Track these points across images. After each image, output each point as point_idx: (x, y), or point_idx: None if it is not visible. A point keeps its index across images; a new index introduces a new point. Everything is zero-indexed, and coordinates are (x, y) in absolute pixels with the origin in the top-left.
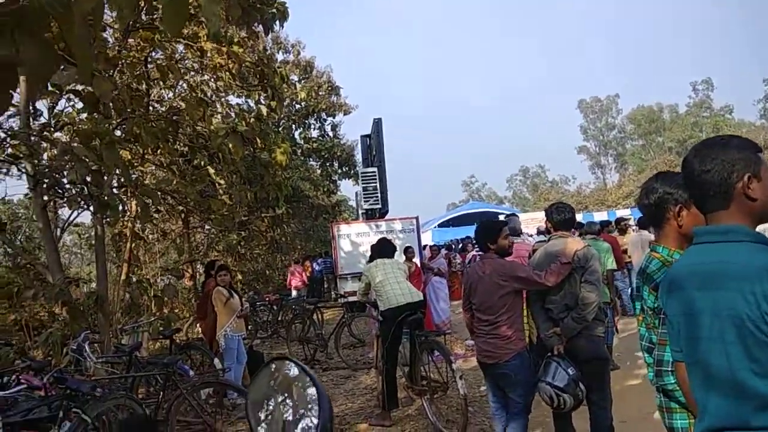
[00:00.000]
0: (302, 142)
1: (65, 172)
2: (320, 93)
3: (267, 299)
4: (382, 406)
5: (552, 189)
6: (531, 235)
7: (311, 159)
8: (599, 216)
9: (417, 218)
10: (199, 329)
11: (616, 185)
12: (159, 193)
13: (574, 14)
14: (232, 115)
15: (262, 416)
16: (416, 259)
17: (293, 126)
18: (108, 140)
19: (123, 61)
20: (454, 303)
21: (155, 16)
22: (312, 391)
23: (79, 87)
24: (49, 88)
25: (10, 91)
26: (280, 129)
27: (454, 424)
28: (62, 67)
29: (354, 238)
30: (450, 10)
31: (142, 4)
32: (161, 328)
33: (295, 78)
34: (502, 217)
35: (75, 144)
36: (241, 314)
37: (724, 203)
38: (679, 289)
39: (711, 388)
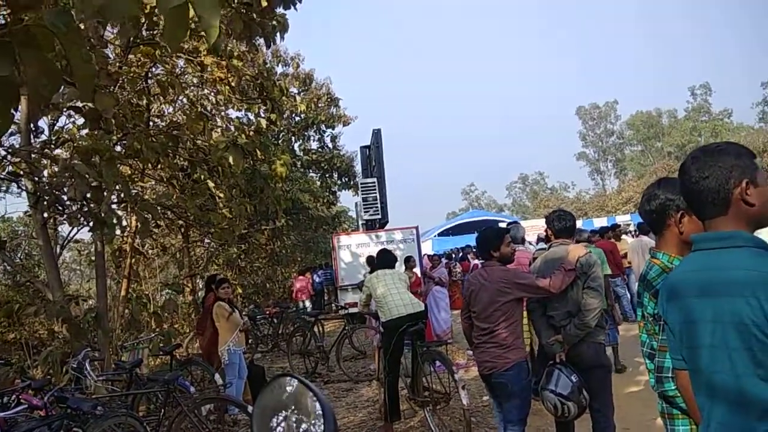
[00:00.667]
0: (302, 153)
1: (65, 189)
2: (320, 105)
3: (267, 312)
4: (384, 419)
5: (552, 196)
6: (531, 243)
7: (311, 170)
8: (599, 222)
9: (417, 228)
10: (199, 345)
11: (616, 191)
12: (159, 207)
13: (571, 20)
14: (232, 128)
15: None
16: (417, 269)
17: (293, 138)
18: (108, 156)
19: (124, 77)
20: (455, 312)
21: (156, 32)
22: (317, 406)
23: (80, 103)
24: (50, 106)
25: (12, 110)
26: (279, 141)
27: None
28: (62, 87)
29: (354, 248)
30: (447, 20)
31: (143, 20)
32: (161, 344)
33: (295, 90)
34: (503, 225)
35: (75, 161)
36: (244, 328)
37: (723, 209)
38: (679, 297)
39: (715, 396)
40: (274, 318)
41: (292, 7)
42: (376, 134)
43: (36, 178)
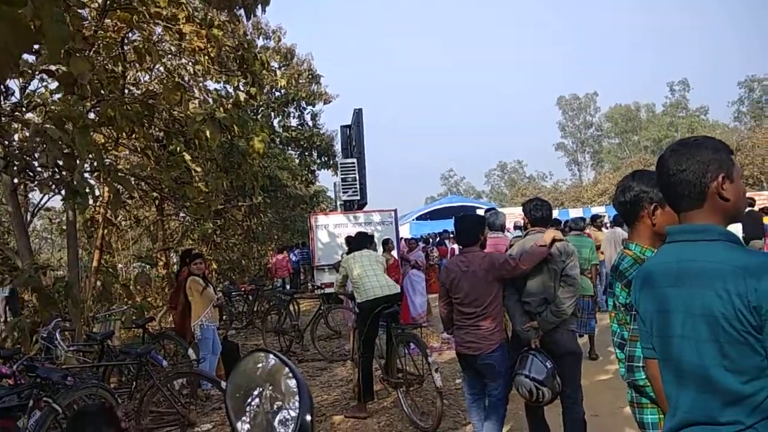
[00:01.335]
0: (281, 130)
1: (36, 155)
2: (300, 81)
3: (243, 289)
4: (357, 398)
5: (529, 185)
6: (509, 230)
7: (290, 148)
8: (575, 213)
9: (395, 211)
10: (173, 319)
11: (592, 182)
12: (132, 178)
13: (552, 10)
14: (210, 100)
15: (242, 408)
16: (395, 252)
17: (272, 114)
18: (82, 123)
19: (99, 41)
20: (431, 296)
21: None
22: (292, 383)
23: (53, 67)
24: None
25: None
26: (258, 116)
27: (429, 416)
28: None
29: (332, 229)
30: (431, 8)
31: None
32: (134, 317)
33: (276, 65)
34: (480, 212)
35: (48, 126)
36: (218, 304)
37: (698, 203)
38: (652, 287)
39: (683, 385)
40: (249, 295)
41: None
42: (357, 114)
43: (6, 142)
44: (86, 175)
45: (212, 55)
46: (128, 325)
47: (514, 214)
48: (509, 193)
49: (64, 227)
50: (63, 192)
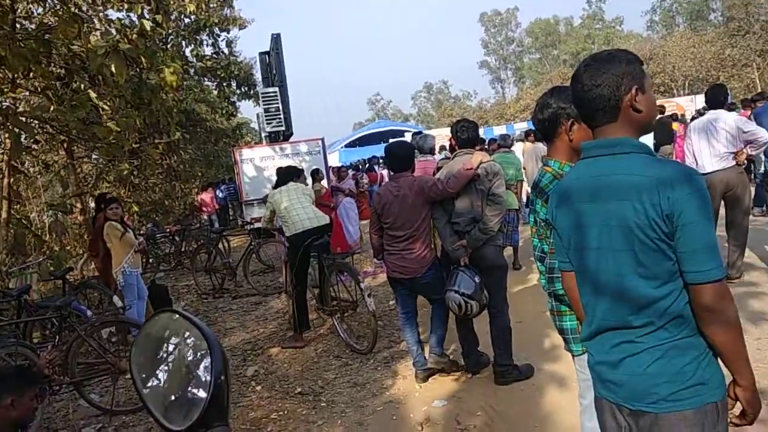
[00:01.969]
0: (195, 60)
1: None
2: (211, 5)
3: (168, 230)
4: (293, 329)
5: (455, 105)
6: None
7: (206, 79)
8: (499, 130)
9: (323, 140)
10: (95, 267)
11: (514, 99)
12: (35, 121)
13: None
14: (113, 31)
15: (149, 375)
16: (324, 182)
17: (183, 43)
18: None
19: None
20: (362, 222)
21: None
22: (203, 344)
23: None
24: None
25: None
26: (168, 46)
27: (365, 338)
28: None
29: (258, 162)
30: None
31: None
32: (51, 269)
33: None
34: (408, 135)
35: None
36: (139, 248)
37: (612, 117)
38: (569, 202)
39: (599, 294)
40: (175, 236)
41: None
42: (276, 39)
43: None
44: None
45: None
46: (46, 277)
47: (442, 135)
48: (436, 114)
49: None
50: None
